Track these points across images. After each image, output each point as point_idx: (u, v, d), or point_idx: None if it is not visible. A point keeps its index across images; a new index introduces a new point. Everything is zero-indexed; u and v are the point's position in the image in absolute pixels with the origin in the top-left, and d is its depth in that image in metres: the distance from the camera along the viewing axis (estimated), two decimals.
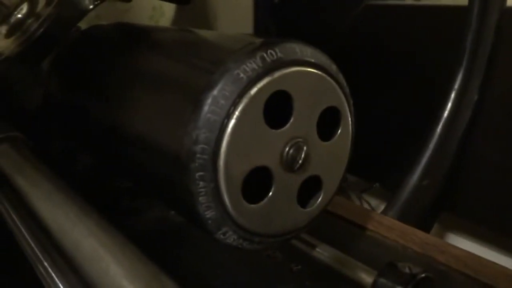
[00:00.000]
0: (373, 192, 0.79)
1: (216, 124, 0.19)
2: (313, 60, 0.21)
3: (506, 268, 0.30)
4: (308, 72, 0.21)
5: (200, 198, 0.19)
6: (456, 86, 0.45)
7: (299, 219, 0.23)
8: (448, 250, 0.33)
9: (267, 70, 0.19)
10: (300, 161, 0.21)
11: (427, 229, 0.49)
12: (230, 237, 0.21)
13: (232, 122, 0.19)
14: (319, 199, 0.23)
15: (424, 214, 0.48)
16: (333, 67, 0.23)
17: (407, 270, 0.23)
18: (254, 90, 0.19)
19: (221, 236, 0.20)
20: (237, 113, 0.19)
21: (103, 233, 0.18)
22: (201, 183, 0.19)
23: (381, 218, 0.38)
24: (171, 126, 0.20)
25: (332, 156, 0.23)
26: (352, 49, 0.70)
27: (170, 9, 0.75)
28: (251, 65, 0.19)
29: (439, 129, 0.45)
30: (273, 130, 0.20)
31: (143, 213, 0.40)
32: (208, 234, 0.21)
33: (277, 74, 0.20)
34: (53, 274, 0.19)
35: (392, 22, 0.71)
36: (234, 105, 0.19)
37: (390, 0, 0.81)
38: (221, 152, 0.19)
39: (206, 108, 0.19)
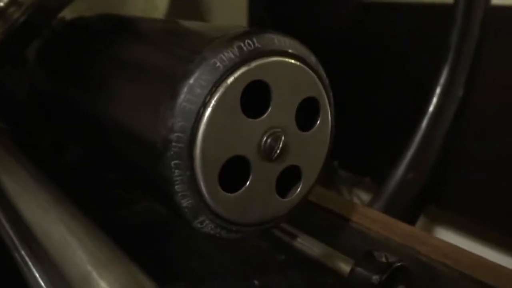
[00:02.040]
0: (363, 186, 0.80)
1: (192, 113, 0.19)
2: (291, 51, 0.21)
3: (484, 258, 0.30)
4: (286, 62, 0.21)
5: (176, 187, 0.19)
6: (442, 80, 0.46)
7: (277, 209, 0.23)
8: (428, 241, 0.33)
9: (244, 59, 0.20)
10: (278, 151, 0.22)
11: (412, 222, 0.50)
12: (207, 226, 0.21)
13: (208, 111, 0.19)
14: (298, 189, 0.24)
15: (409, 207, 0.49)
16: (312, 58, 0.23)
17: (383, 259, 0.23)
18: (230, 80, 0.19)
19: (198, 225, 0.21)
20: (213, 102, 0.19)
21: (73, 221, 0.18)
22: (177, 172, 0.19)
23: (365, 211, 0.38)
24: (148, 114, 0.20)
25: (311, 147, 0.24)
26: (346, 44, 0.71)
27: (163, 2, 0.75)
28: (228, 55, 0.19)
29: (424, 123, 0.46)
30: (251, 120, 0.20)
31: (132, 204, 0.40)
32: (185, 223, 0.21)
33: (254, 63, 0.20)
34: (29, 263, 0.19)
35: (385, 19, 0.72)
36: (210, 94, 0.19)
37: None
38: (197, 140, 0.19)
39: (182, 96, 0.19)
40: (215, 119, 0.19)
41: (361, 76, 0.69)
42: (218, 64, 0.19)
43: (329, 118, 0.24)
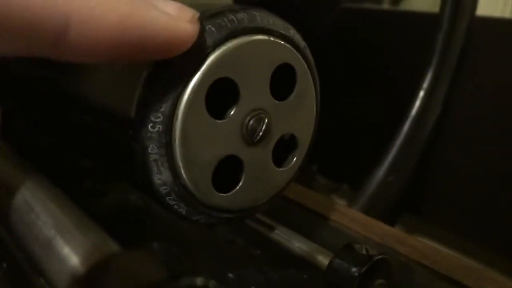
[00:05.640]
0: (341, 193, 0.80)
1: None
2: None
3: (463, 260, 0.30)
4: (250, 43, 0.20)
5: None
6: (425, 85, 0.46)
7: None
8: (408, 242, 0.33)
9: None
10: (261, 133, 0.21)
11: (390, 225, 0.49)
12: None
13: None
14: (295, 159, 0.23)
15: (388, 211, 0.49)
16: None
17: (364, 252, 0.22)
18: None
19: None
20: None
21: (36, 186, 0.17)
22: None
23: (345, 210, 0.38)
24: (126, 91, 0.19)
25: (296, 116, 0.22)
26: (327, 49, 0.71)
27: None
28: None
29: (406, 126, 0.46)
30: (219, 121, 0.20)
31: (104, 195, 0.39)
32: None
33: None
34: None
35: (367, 26, 0.72)
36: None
37: (366, 4, 0.82)
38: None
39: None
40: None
41: (343, 82, 0.69)
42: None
43: (312, 85, 0.23)
